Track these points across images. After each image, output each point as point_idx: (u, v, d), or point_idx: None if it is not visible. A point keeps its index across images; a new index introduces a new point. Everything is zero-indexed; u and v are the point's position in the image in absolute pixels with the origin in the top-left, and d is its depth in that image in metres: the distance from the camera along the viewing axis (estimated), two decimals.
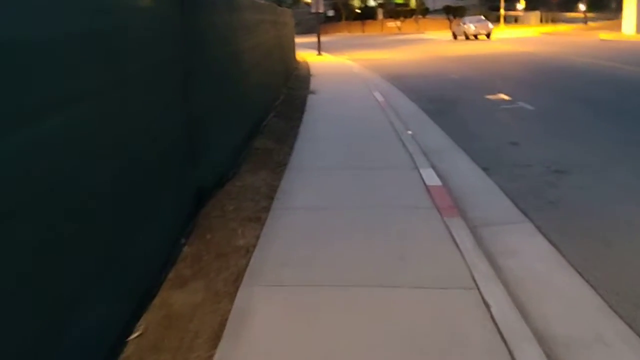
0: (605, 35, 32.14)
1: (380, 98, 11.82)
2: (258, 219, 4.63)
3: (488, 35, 38.33)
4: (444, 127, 8.99)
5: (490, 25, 38.90)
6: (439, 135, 8.53)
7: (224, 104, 5.82)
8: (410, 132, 8.53)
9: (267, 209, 4.91)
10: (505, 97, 11.76)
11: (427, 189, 5.43)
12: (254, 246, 4.09)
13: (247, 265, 3.75)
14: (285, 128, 8.63)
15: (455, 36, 40.51)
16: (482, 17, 40.61)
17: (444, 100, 11.80)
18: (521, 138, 8.02)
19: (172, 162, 3.92)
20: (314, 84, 15.00)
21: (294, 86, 13.98)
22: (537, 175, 6.31)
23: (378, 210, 4.85)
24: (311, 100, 11.78)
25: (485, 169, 6.54)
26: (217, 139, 5.40)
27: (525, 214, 5.05)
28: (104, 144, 2.69)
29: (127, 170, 3.00)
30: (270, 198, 5.21)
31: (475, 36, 38.52)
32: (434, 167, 6.39)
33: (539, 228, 4.68)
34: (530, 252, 4.17)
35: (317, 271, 3.67)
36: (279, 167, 6.43)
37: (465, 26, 39.04)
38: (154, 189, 3.51)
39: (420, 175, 5.93)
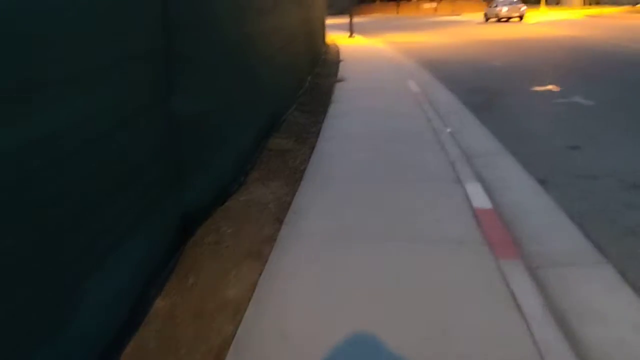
0: None
1: (415, 88, 10.68)
2: (258, 255, 3.64)
3: (521, 18, 37.48)
4: (489, 125, 7.85)
5: (523, 7, 37.80)
6: (483, 135, 7.40)
7: (229, 99, 4.80)
8: (449, 130, 7.44)
9: (271, 239, 3.90)
10: (556, 89, 10.51)
11: (475, 213, 4.35)
12: (248, 300, 3.09)
13: (233, 335, 2.76)
14: (307, 124, 7.60)
15: (487, 18, 39.44)
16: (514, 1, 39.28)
17: (487, 92, 10.61)
18: (582, 140, 6.84)
19: (139, 187, 2.93)
20: (343, 70, 13.89)
21: (321, 73, 12.91)
22: (608, 191, 5.17)
23: (411, 247, 3.79)
24: (339, 89, 10.70)
25: (542, 182, 5.43)
26: (216, 145, 4.40)
27: (600, 248, 3.95)
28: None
29: (58, 204, 2.03)
30: (279, 222, 4.20)
31: (508, 19, 37.65)
32: (480, 178, 5.31)
33: (623, 273, 3.59)
34: (621, 316, 3.08)
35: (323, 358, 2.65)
36: (295, 174, 5.42)
37: (497, 8, 38.13)
38: (108, 226, 2.53)
39: (465, 191, 4.85)
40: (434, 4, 66.08)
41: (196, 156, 3.87)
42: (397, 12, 67.01)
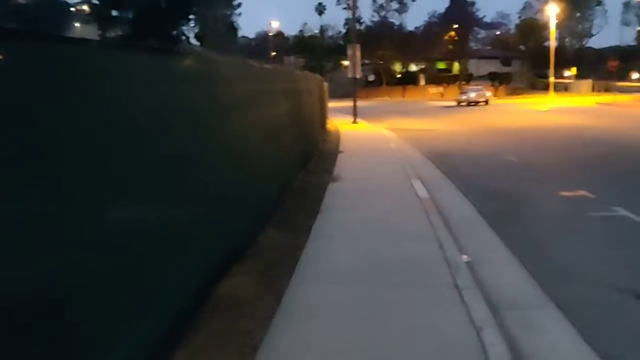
0: None
1: (422, 191, 9.01)
2: None
3: (486, 102, 44.55)
4: (514, 248, 6.14)
5: (487, 93, 46.31)
6: (511, 267, 5.67)
7: (131, 245, 3.11)
8: (465, 258, 5.71)
9: None
10: (590, 196, 8.80)
11: None
12: None
13: None
14: (283, 249, 5.87)
15: (459, 102, 44.86)
16: (481, 87, 48.17)
17: (506, 197, 8.93)
18: None
19: None
20: (340, 164, 12.31)
21: (315, 168, 11.32)
22: None
23: None
24: (332, 192, 9.03)
25: None
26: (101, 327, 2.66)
27: None
28: None
29: None
30: None
31: (476, 102, 44.05)
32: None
33: None
34: None
35: None
36: (245, 349, 3.64)
37: (466, 95, 45.53)
38: None
39: None
40: (440, 89, 66.01)
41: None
42: (404, 96, 66.93)
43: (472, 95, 45.05)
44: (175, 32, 75.72)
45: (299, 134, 10.02)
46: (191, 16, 78.75)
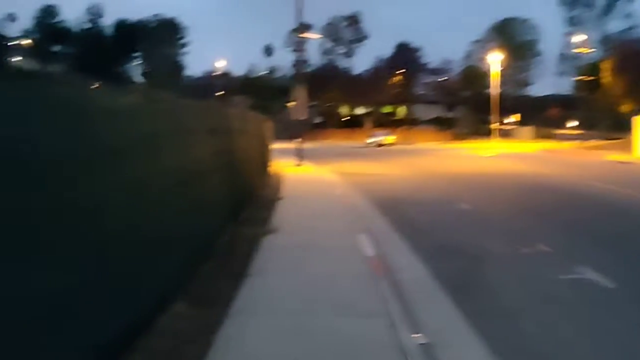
0: (617, 156, 28.69)
1: (368, 249, 7.88)
2: None
3: (390, 144, 53.08)
4: (481, 325, 5.04)
5: (393, 137, 55.93)
6: (479, 352, 4.55)
7: None
8: (421, 339, 4.60)
9: None
10: (553, 254, 7.89)
11: None
12: None
13: None
14: (189, 333, 4.59)
15: (367, 145, 52.68)
16: (388, 132, 58.49)
17: (463, 254, 7.91)
18: None
19: None
20: (279, 213, 11.10)
21: (250, 217, 10.07)
22: None
23: None
24: (265, 250, 7.78)
25: None
26: None
27: None
28: None
29: None
30: None
31: (381, 145, 52.45)
32: None
33: None
34: None
35: None
36: None
37: (374, 138, 54.89)
38: None
39: None
40: (387, 132, 66.20)
41: None
42: (350, 139, 66.68)
43: (380, 139, 54.38)
44: (119, 69, 74.07)
45: (229, 180, 8.80)
46: (136, 54, 77.47)
